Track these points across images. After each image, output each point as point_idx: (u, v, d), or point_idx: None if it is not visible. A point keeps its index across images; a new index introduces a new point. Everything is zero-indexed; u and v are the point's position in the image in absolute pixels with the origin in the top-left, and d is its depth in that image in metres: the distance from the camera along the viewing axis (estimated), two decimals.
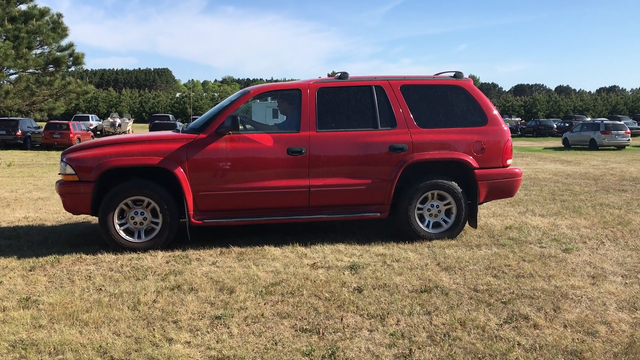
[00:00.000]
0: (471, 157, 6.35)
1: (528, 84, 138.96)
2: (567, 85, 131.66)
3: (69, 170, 5.92)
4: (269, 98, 6.83)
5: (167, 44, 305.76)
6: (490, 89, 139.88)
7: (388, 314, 4.15)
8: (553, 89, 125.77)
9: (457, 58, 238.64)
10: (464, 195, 6.38)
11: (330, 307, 4.29)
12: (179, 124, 33.67)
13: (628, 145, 30.42)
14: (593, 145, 29.67)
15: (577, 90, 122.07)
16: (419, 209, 6.40)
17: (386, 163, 6.24)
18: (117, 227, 5.94)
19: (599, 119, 42.26)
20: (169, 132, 6.79)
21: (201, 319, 4.05)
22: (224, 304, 4.35)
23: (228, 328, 3.90)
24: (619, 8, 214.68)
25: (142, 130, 44.52)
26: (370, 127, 6.32)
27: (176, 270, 5.24)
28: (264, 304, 4.35)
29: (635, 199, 9.53)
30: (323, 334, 3.79)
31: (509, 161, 6.56)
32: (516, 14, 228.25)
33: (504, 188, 6.54)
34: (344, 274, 5.12)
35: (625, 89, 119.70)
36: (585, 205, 8.76)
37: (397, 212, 6.36)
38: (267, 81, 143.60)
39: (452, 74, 6.79)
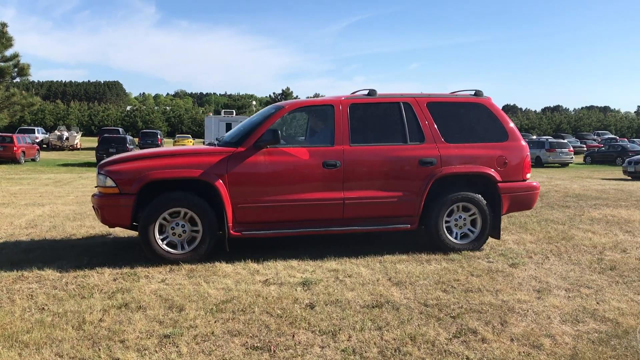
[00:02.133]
0: (494, 171, 6.63)
1: None
2: (514, 104, 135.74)
3: (110, 182, 5.93)
4: (303, 113, 7.02)
5: (119, 57, 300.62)
6: None
7: (340, 330, 4.15)
8: (500, 108, 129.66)
9: (409, 77, 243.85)
10: (488, 208, 6.65)
11: (282, 324, 4.26)
12: (128, 137, 32.96)
13: (571, 162, 31.66)
14: (539, 163, 30.72)
15: (524, 109, 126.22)
16: (446, 221, 6.63)
17: (416, 176, 6.46)
18: (159, 239, 5.98)
19: (544, 137, 43.82)
20: (205, 146, 6.80)
21: (149, 338, 3.95)
22: (173, 323, 4.26)
23: (177, 347, 3.81)
24: (563, 31, 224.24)
25: (90, 144, 43.39)
26: (400, 142, 6.55)
27: (124, 288, 5.10)
28: (215, 322, 4.28)
29: (578, 215, 9.89)
30: (274, 351, 3.76)
31: (528, 175, 6.88)
32: (466, 35, 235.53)
33: (524, 201, 6.86)
34: (296, 290, 5.10)
35: (568, 109, 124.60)
36: (531, 221, 9.02)
37: (426, 224, 6.59)
38: (222, 96, 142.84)
39: (473, 92, 7.11)
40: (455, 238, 6.67)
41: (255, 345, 3.86)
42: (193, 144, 50.04)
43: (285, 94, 67.51)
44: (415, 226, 6.56)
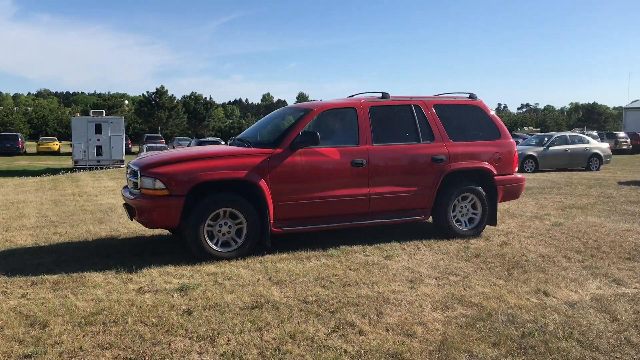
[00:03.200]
0: (492, 166, 7.45)
1: None
2: None
3: (159, 184, 6.02)
4: (329, 115, 7.22)
5: None
6: None
7: (219, 334, 4.06)
8: None
9: (288, 76, 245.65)
10: (487, 198, 7.42)
11: (158, 332, 4.09)
12: None
13: None
14: None
15: None
16: (453, 210, 7.34)
17: (429, 172, 7.12)
18: (207, 238, 6.14)
19: None
20: (243, 147, 6.91)
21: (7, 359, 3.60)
22: (35, 341, 3.92)
23: None
24: (442, 33, 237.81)
25: None
26: (414, 141, 7.18)
27: None
28: (83, 336, 4.00)
29: None
30: None
31: (515, 169, 7.78)
32: (342, 35, 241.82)
33: (514, 191, 7.81)
34: (172, 296, 4.91)
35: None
36: None
37: (437, 214, 7.31)
38: (91, 95, 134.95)
39: (468, 95, 7.85)
40: (461, 225, 7.43)
41: (129, 357, 3.66)
42: (59, 147, 46.89)
43: (160, 93, 65.27)
44: (428, 217, 7.30)
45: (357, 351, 3.79)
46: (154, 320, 4.32)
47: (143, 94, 68.02)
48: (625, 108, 62.77)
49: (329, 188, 6.63)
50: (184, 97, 72.15)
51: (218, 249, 6.21)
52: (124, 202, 6.79)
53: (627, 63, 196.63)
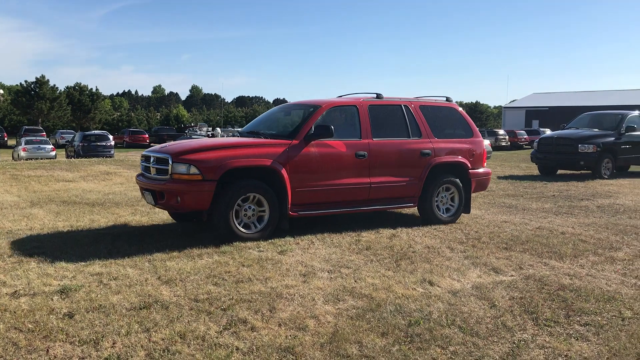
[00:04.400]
0: (467, 161, 8.44)
1: (249, 96, 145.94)
2: (284, 98, 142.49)
3: (194, 170, 6.53)
4: (335, 111, 7.89)
5: None
6: (214, 100, 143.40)
7: (103, 337, 3.86)
8: (271, 102, 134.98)
9: (180, 68, 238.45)
10: (463, 188, 8.36)
11: (34, 338, 3.81)
12: None
13: None
14: None
15: None
16: (435, 200, 8.22)
17: (418, 165, 8.02)
18: (235, 221, 6.72)
19: None
20: (261, 138, 7.52)
21: None
22: None
23: None
24: (336, 26, 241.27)
25: None
26: (405, 137, 8.06)
27: None
28: None
29: None
30: None
31: (485, 164, 8.86)
32: (234, 29, 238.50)
33: (484, 183, 8.87)
34: (52, 299, 4.60)
35: None
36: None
37: (422, 203, 8.17)
38: None
39: (445, 98, 8.94)
40: (443, 213, 8.31)
41: None
42: None
43: (41, 83, 60.98)
44: (416, 205, 8.18)
45: (249, 347, 3.75)
46: (30, 325, 4.02)
47: (21, 84, 63.14)
48: (505, 107, 67.46)
49: (337, 177, 7.40)
50: (67, 87, 67.83)
51: (245, 231, 6.78)
52: (145, 188, 7.13)
53: (507, 65, 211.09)
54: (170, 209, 7.09)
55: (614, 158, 15.81)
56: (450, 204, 8.45)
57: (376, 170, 7.70)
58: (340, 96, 8.67)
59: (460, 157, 8.42)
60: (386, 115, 8.10)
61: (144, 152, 7.45)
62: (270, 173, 6.94)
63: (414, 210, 9.26)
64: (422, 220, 8.30)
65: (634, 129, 16.14)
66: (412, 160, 8.00)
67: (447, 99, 8.98)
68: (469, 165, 8.48)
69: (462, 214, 8.60)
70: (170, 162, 6.66)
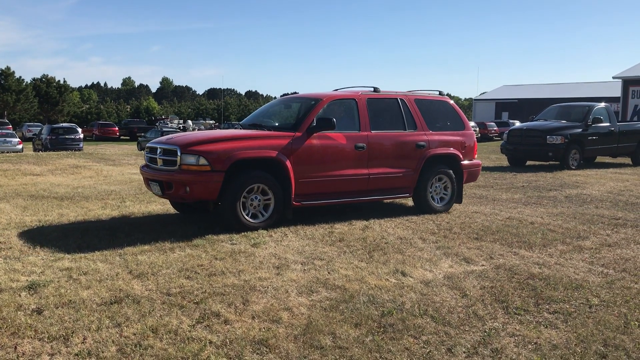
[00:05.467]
0: (459, 152, 8.67)
1: (220, 88, 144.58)
2: (256, 91, 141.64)
3: (203, 161, 6.69)
4: (335, 105, 8.05)
5: None
6: (185, 92, 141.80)
7: (73, 332, 3.80)
8: (243, 94, 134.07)
9: (150, 60, 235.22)
10: (455, 179, 8.59)
11: (2, 335, 3.73)
12: None
13: None
14: None
15: (265, 95, 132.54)
16: (430, 190, 8.45)
17: (414, 156, 8.23)
18: (242, 210, 6.87)
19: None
20: (264, 130, 7.70)
21: None
22: None
23: None
24: (307, 20, 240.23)
25: None
26: (402, 129, 8.25)
27: None
28: None
29: None
30: None
31: (475, 156, 9.10)
32: (205, 20, 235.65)
33: (475, 174, 9.15)
34: (20, 295, 4.51)
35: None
36: None
37: (418, 193, 8.39)
38: None
39: (437, 92, 9.16)
40: (437, 203, 8.52)
41: None
42: None
43: (6, 75, 59.49)
44: (411, 195, 8.41)
45: (223, 341, 3.74)
46: None
47: None
48: (475, 99, 68.11)
49: (338, 168, 7.60)
50: (34, 79, 66.43)
51: (251, 220, 6.95)
52: (151, 178, 7.20)
53: (477, 57, 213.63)
54: (178, 199, 7.22)
55: (581, 149, 16.14)
56: (443, 193, 8.67)
57: (374, 161, 7.90)
58: (337, 89, 8.87)
59: (452, 149, 8.65)
60: (383, 109, 8.29)
61: (149, 143, 7.59)
62: (275, 164, 7.10)
63: (388, 201, 9.32)
64: (416, 210, 8.53)
65: (600, 121, 16.50)
66: (408, 152, 8.21)
67: (440, 93, 9.20)
68: (461, 157, 8.73)
69: (454, 203, 8.86)
70: (179, 153, 6.77)
